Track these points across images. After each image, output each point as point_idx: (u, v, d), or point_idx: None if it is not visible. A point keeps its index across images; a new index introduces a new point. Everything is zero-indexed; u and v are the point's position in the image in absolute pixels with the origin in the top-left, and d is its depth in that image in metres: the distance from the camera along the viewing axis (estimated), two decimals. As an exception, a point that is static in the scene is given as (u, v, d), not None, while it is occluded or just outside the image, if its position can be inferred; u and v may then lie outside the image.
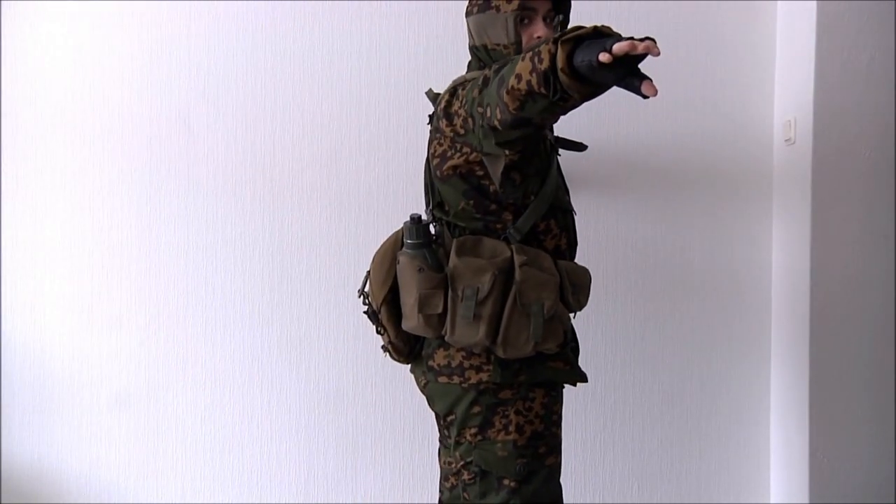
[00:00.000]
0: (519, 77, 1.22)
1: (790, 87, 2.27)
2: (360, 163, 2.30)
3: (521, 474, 1.55)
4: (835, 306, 2.18)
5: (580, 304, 1.63)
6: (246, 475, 2.32)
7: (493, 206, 1.55)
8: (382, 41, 2.30)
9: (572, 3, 1.62)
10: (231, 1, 2.29)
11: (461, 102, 1.47)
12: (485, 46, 1.57)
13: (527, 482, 1.56)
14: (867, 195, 2.19)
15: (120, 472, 2.31)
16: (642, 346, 2.34)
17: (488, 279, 1.48)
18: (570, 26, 1.59)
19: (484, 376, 1.54)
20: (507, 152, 1.45)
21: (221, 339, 2.31)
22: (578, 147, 1.80)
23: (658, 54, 1.04)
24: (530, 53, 1.21)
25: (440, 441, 1.70)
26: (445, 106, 1.52)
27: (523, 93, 1.23)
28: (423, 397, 1.66)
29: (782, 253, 2.31)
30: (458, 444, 1.60)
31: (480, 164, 1.53)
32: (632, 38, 1.05)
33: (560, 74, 1.14)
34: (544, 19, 1.55)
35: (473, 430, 1.57)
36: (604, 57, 1.05)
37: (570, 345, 1.62)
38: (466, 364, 1.55)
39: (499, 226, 1.56)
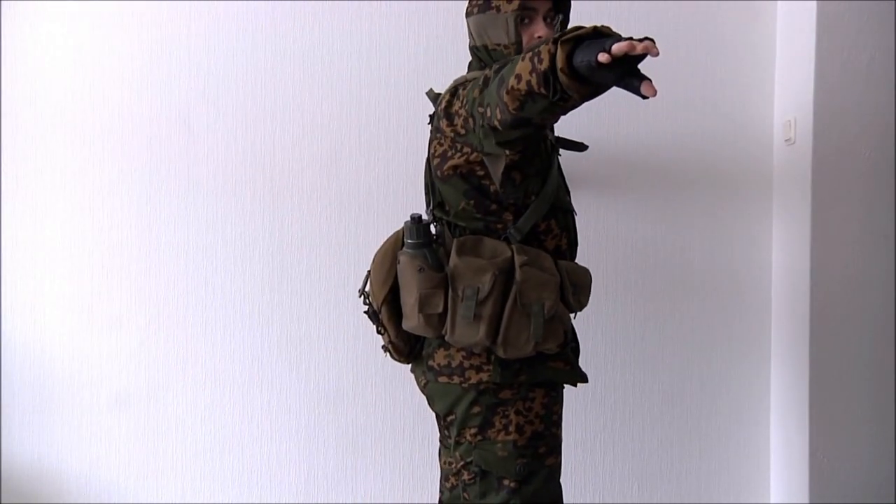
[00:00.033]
0: (519, 77, 1.22)
1: (790, 87, 2.27)
2: (360, 163, 2.30)
3: (521, 474, 1.55)
4: (835, 306, 2.18)
5: (581, 305, 1.63)
6: (246, 475, 2.32)
7: (494, 206, 1.55)
8: (382, 41, 2.30)
9: (572, 2, 1.62)
10: (231, 1, 2.29)
11: (462, 102, 1.47)
12: (485, 47, 1.57)
13: (527, 482, 1.56)
14: (867, 195, 2.19)
15: (120, 472, 2.31)
16: (642, 346, 2.34)
17: (489, 279, 1.48)
18: (570, 26, 1.60)
19: (484, 376, 1.54)
20: (507, 152, 1.45)
21: (221, 339, 2.31)
22: (579, 147, 1.81)
23: (657, 54, 1.04)
24: (530, 54, 1.21)
25: (440, 441, 1.70)
26: (446, 106, 1.52)
27: (523, 93, 1.23)
28: (424, 397, 1.66)
29: (782, 253, 2.31)
30: (458, 444, 1.60)
31: (481, 164, 1.53)
32: (631, 39, 1.05)
33: (559, 75, 1.14)
34: (545, 19, 1.55)
35: (473, 430, 1.57)
36: (603, 57, 1.05)
37: (570, 345, 1.62)
38: (466, 364, 1.55)
39: (499, 226, 1.56)
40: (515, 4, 1.52)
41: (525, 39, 1.53)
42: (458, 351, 1.56)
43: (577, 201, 1.71)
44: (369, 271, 1.64)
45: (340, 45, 2.30)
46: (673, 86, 2.27)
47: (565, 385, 1.65)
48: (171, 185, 2.30)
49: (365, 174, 2.30)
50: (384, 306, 1.60)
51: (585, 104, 1.23)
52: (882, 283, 2.21)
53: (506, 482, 1.56)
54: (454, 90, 1.52)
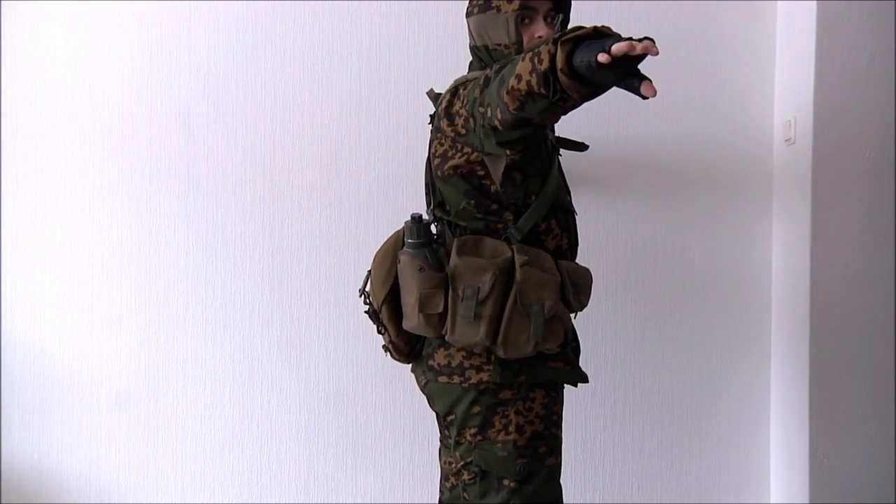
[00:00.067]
0: (519, 77, 1.22)
1: (790, 87, 2.27)
2: (360, 163, 2.30)
3: (521, 474, 1.55)
4: (835, 306, 2.18)
5: (581, 305, 1.63)
6: (246, 475, 2.32)
7: (495, 206, 1.55)
8: (382, 41, 2.30)
9: (572, 2, 1.62)
10: (231, 1, 2.29)
11: (462, 102, 1.47)
12: (486, 47, 1.57)
13: (527, 482, 1.56)
14: (867, 195, 2.19)
15: (120, 472, 2.31)
16: (642, 346, 2.34)
17: (489, 279, 1.48)
18: (570, 26, 1.60)
19: (484, 376, 1.54)
20: (508, 152, 1.45)
21: (221, 339, 2.31)
22: (579, 147, 1.81)
23: (656, 54, 1.04)
24: (530, 54, 1.21)
25: (440, 441, 1.70)
26: (447, 106, 1.52)
27: (523, 93, 1.23)
28: (424, 397, 1.66)
29: (782, 253, 2.31)
30: (458, 443, 1.60)
31: (481, 163, 1.53)
32: (630, 39, 1.05)
33: (559, 75, 1.14)
34: (545, 19, 1.55)
35: (473, 430, 1.57)
36: (602, 58, 1.05)
37: (570, 345, 1.62)
38: (467, 364, 1.55)
39: (500, 226, 1.56)
40: (516, 4, 1.52)
41: (525, 39, 1.53)
42: (458, 351, 1.56)
43: (577, 201, 1.71)
44: (370, 271, 1.64)
45: (340, 45, 2.30)
46: (673, 86, 2.27)
47: (565, 385, 1.65)
48: (171, 185, 2.30)
49: (365, 174, 2.30)
50: (384, 306, 1.60)
51: (585, 104, 1.23)
52: (882, 283, 2.21)
53: (506, 482, 1.56)
54: (455, 90, 1.52)
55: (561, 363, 1.59)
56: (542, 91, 1.19)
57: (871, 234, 2.20)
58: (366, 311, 1.65)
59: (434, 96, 1.69)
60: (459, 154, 1.53)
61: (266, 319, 2.30)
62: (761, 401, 2.36)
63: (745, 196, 2.35)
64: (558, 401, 1.62)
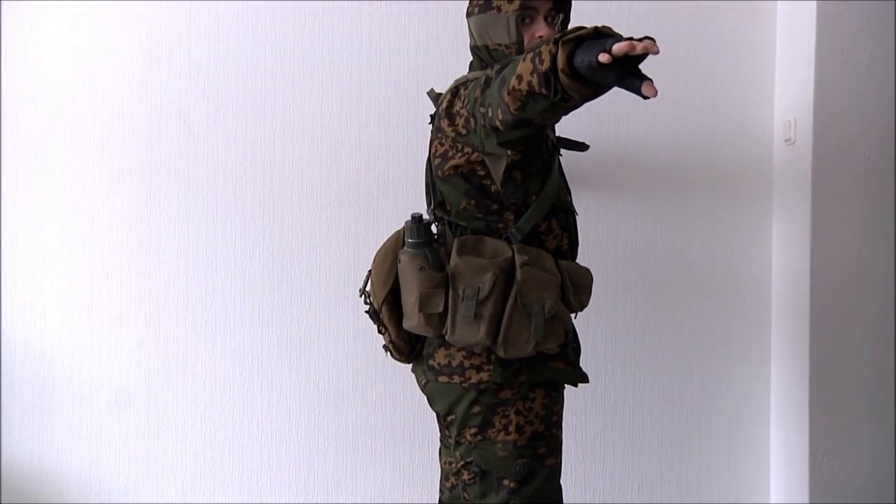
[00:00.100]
0: (520, 78, 1.22)
1: (790, 87, 2.27)
2: (360, 163, 2.30)
3: (521, 474, 1.55)
4: (835, 306, 2.18)
5: (582, 305, 1.63)
6: (246, 475, 2.32)
7: (495, 206, 1.55)
8: (382, 41, 2.30)
9: (573, 2, 1.62)
10: (231, 1, 2.29)
11: (463, 102, 1.47)
12: (486, 47, 1.57)
13: (527, 482, 1.56)
14: (867, 195, 2.19)
15: (120, 472, 2.31)
16: (642, 346, 2.34)
17: (489, 279, 1.48)
18: (570, 27, 1.60)
19: (484, 376, 1.54)
20: (509, 152, 1.45)
21: (221, 339, 2.30)
22: (580, 147, 1.81)
23: (657, 53, 1.04)
24: (531, 54, 1.21)
25: (441, 441, 1.70)
26: (447, 106, 1.52)
27: (524, 93, 1.23)
28: (424, 397, 1.66)
29: (782, 253, 2.31)
30: (458, 443, 1.60)
31: (482, 163, 1.53)
32: (631, 39, 1.05)
33: (560, 75, 1.15)
34: (545, 19, 1.55)
35: (473, 430, 1.57)
36: (603, 57, 1.05)
37: (571, 345, 1.62)
38: (467, 363, 1.55)
39: (500, 225, 1.56)
40: (516, 4, 1.52)
41: (526, 39, 1.53)
42: (458, 350, 1.56)
43: (577, 201, 1.71)
44: (370, 271, 1.64)
45: (340, 45, 2.30)
46: (673, 86, 2.27)
47: (566, 385, 1.65)
48: (171, 185, 2.30)
49: (365, 174, 2.30)
50: (385, 306, 1.60)
51: (585, 104, 1.23)
52: (882, 283, 2.21)
53: (506, 482, 1.56)
54: (455, 90, 1.52)
55: (561, 363, 1.59)
56: (543, 91, 1.19)
57: (871, 234, 2.20)
58: (366, 311, 1.65)
59: (434, 96, 1.69)
60: (460, 154, 1.53)
61: (266, 319, 2.30)
62: (761, 401, 2.36)
63: (745, 196, 2.35)
64: (558, 401, 1.62)
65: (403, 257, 1.54)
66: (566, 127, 1.81)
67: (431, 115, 1.66)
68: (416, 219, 1.53)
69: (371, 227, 2.28)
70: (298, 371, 2.31)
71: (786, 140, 2.27)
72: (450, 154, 1.55)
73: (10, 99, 2.29)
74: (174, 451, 2.31)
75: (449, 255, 1.53)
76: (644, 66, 1.11)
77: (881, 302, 2.21)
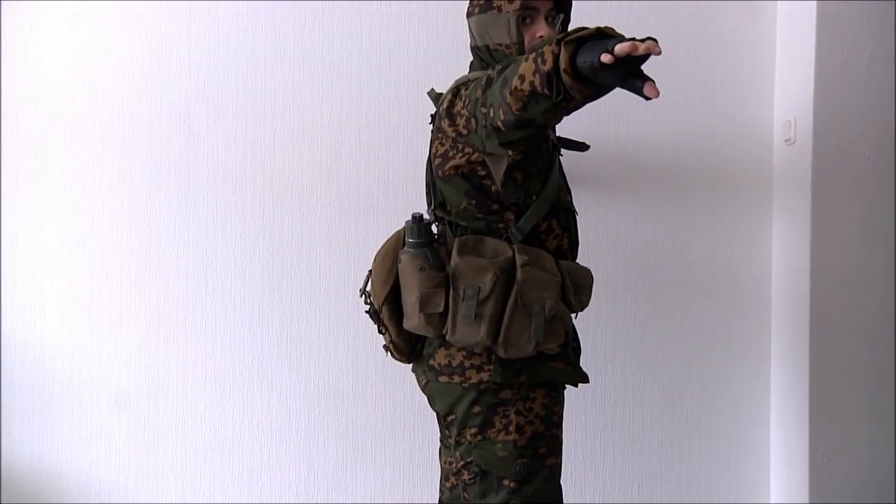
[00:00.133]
0: (522, 78, 1.22)
1: (790, 87, 2.27)
2: (360, 163, 2.30)
3: (521, 474, 1.55)
4: (835, 306, 2.18)
5: (582, 305, 1.63)
6: (246, 475, 2.32)
7: (495, 206, 1.55)
8: (382, 41, 2.30)
9: (573, 2, 1.62)
10: (231, 1, 2.29)
11: (464, 103, 1.47)
12: (487, 47, 1.57)
13: (527, 482, 1.56)
14: (867, 195, 2.20)
15: (120, 472, 2.31)
16: (642, 346, 2.34)
17: (490, 279, 1.48)
18: (571, 27, 1.60)
19: (485, 376, 1.54)
20: (510, 152, 1.45)
21: (221, 339, 2.30)
22: (580, 147, 1.81)
23: (659, 53, 1.04)
24: (533, 54, 1.21)
25: (441, 441, 1.70)
26: (448, 106, 1.52)
27: (526, 93, 1.23)
28: (424, 397, 1.67)
29: (782, 253, 2.31)
30: (458, 443, 1.60)
31: (482, 163, 1.53)
32: (633, 39, 1.05)
33: (563, 75, 1.15)
34: (546, 19, 1.55)
35: (474, 430, 1.57)
36: (605, 58, 1.05)
37: (571, 345, 1.62)
38: (467, 363, 1.55)
39: (501, 225, 1.56)
40: (517, 4, 1.52)
41: (527, 39, 1.53)
42: (458, 350, 1.56)
43: (577, 201, 1.71)
44: (370, 271, 1.64)
45: (340, 45, 2.30)
46: (673, 86, 2.27)
47: (566, 385, 1.65)
48: (171, 185, 2.30)
49: (365, 174, 2.30)
50: (385, 306, 1.60)
51: (586, 104, 1.23)
52: (882, 283, 2.21)
53: (506, 482, 1.56)
54: (456, 90, 1.52)
55: (562, 363, 1.59)
56: (546, 91, 1.19)
57: (871, 234, 2.20)
58: (366, 311, 1.65)
59: (435, 96, 1.69)
60: (460, 154, 1.53)
61: (266, 319, 2.30)
62: (761, 401, 2.36)
63: (745, 196, 2.35)
64: (559, 401, 1.62)
65: (404, 257, 1.54)
66: (566, 127, 1.81)
67: (432, 115, 1.66)
68: (417, 219, 1.53)
69: (371, 227, 2.28)
70: (298, 371, 2.31)
71: (786, 140, 2.27)
72: (450, 154, 1.55)
73: (10, 99, 2.29)
74: (174, 451, 2.31)
75: (449, 255, 1.53)
76: (644, 67, 1.11)
77: (881, 302, 2.21)
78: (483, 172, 1.53)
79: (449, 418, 1.61)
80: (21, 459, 2.30)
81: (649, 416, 2.35)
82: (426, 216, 1.57)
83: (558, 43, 1.16)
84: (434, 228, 1.59)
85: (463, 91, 1.49)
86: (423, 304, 1.51)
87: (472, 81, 1.48)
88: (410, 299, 1.53)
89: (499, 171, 1.51)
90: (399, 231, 1.61)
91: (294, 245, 2.30)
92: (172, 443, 2.31)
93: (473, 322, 1.48)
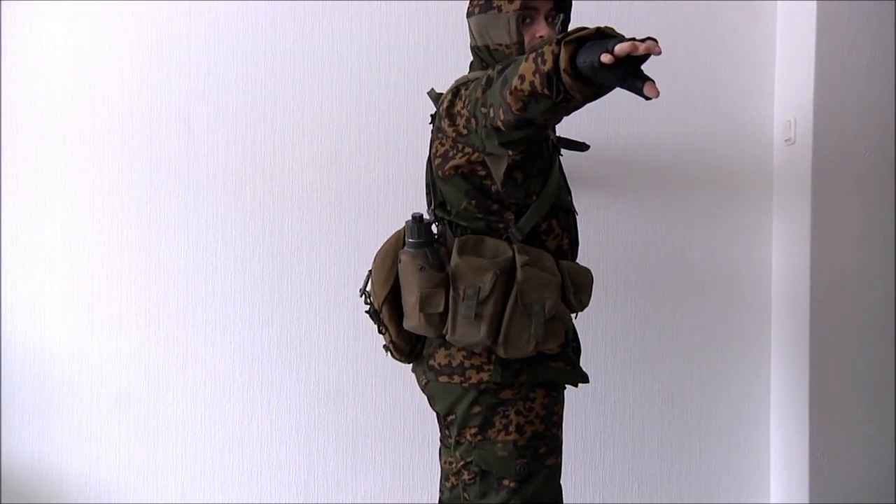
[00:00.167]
0: (522, 78, 1.22)
1: (790, 87, 2.27)
2: (360, 163, 2.30)
3: (522, 474, 1.55)
4: (835, 306, 2.18)
5: (582, 305, 1.63)
6: (246, 475, 2.32)
7: (495, 206, 1.55)
8: (382, 41, 2.30)
9: (573, 2, 1.62)
10: (231, 1, 2.29)
11: (464, 103, 1.47)
12: (487, 47, 1.57)
13: (527, 482, 1.56)
14: (867, 195, 2.20)
15: (120, 472, 2.31)
16: (642, 346, 2.34)
17: (490, 279, 1.48)
18: (571, 27, 1.60)
19: (485, 376, 1.54)
20: (510, 152, 1.45)
21: (221, 339, 2.30)
22: (580, 147, 1.81)
23: (659, 53, 1.04)
24: (533, 54, 1.21)
25: (441, 441, 1.70)
26: (448, 106, 1.52)
27: (526, 93, 1.23)
28: (424, 397, 1.67)
29: (782, 253, 2.31)
30: (458, 443, 1.60)
31: (482, 163, 1.53)
32: (633, 39, 1.05)
33: (563, 75, 1.15)
34: (546, 19, 1.55)
35: (474, 430, 1.57)
36: (605, 58, 1.05)
37: (571, 345, 1.62)
38: (467, 363, 1.55)
39: (501, 225, 1.56)
40: (517, 4, 1.52)
41: (527, 39, 1.53)
42: (458, 350, 1.56)
43: (577, 201, 1.71)
44: (370, 271, 1.64)
45: (340, 45, 2.30)
46: (673, 86, 2.27)
47: (566, 385, 1.65)
48: (171, 185, 2.30)
49: (365, 174, 2.30)
50: (385, 306, 1.60)
51: (586, 104, 1.23)
52: (882, 283, 2.21)
53: (506, 482, 1.56)
54: (456, 90, 1.52)
55: (562, 363, 1.59)
56: (546, 91, 1.19)
57: (871, 234, 2.20)
58: (366, 311, 1.65)
59: (435, 96, 1.69)
60: (460, 154, 1.53)
61: (266, 319, 2.30)
62: (761, 401, 2.36)
63: (745, 196, 2.35)
64: (559, 401, 1.62)
65: (404, 257, 1.54)
66: (566, 127, 1.81)
67: (432, 115, 1.66)
68: (417, 219, 1.53)
69: (371, 227, 2.28)
70: (298, 371, 2.31)
71: (786, 140, 2.27)
72: (450, 154, 1.55)
73: (10, 99, 2.29)
74: (174, 451, 2.31)
75: (449, 255, 1.53)
76: (644, 66, 1.11)
77: (881, 302, 2.21)
78: (483, 172, 1.53)
79: (449, 418, 1.61)
80: (21, 459, 2.30)
81: (649, 416, 2.35)
82: (426, 216, 1.57)
83: (558, 43, 1.16)
84: (434, 228, 1.59)
85: (463, 91, 1.49)
86: (423, 304, 1.51)
87: (472, 81, 1.48)
88: (410, 299, 1.53)
89: (499, 171, 1.51)
90: (399, 231, 1.61)
91: (294, 245, 2.30)
92: (172, 443, 2.31)
93: (473, 322, 1.48)
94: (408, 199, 2.26)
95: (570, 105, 1.21)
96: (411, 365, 1.71)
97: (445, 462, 1.66)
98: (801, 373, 2.20)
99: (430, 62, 2.29)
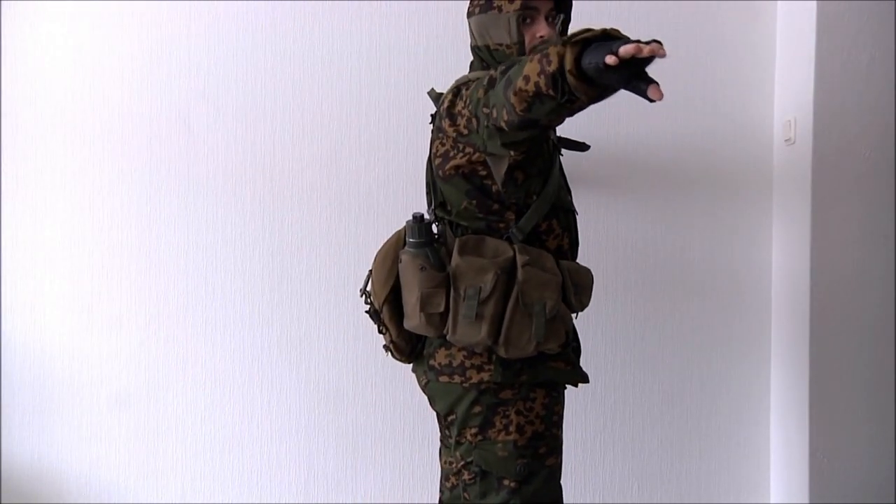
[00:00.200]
0: (527, 78, 1.22)
1: (790, 87, 2.27)
2: (360, 163, 2.30)
3: (522, 474, 1.55)
4: (835, 306, 2.18)
5: (582, 305, 1.63)
6: (246, 475, 2.32)
7: (496, 206, 1.55)
8: (382, 41, 2.30)
9: (573, 2, 1.62)
10: (231, 1, 2.29)
11: (465, 102, 1.47)
12: (487, 47, 1.57)
13: (527, 482, 1.56)
14: (867, 195, 2.20)
15: (120, 472, 2.31)
16: (642, 346, 2.34)
17: (490, 279, 1.48)
18: (571, 27, 1.60)
19: (485, 376, 1.54)
20: (511, 153, 1.45)
21: (221, 339, 2.30)
22: (581, 147, 1.81)
23: (664, 56, 1.05)
24: (538, 55, 1.21)
25: (441, 441, 1.70)
26: (448, 106, 1.52)
27: (531, 94, 1.23)
28: (424, 397, 1.66)
29: (782, 253, 2.31)
30: (458, 443, 1.60)
31: (483, 163, 1.53)
32: (638, 42, 1.05)
33: (568, 76, 1.15)
34: (546, 19, 1.55)
35: (474, 430, 1.57)
36: (610, 59, 1.06)
37: (571, 345, 1.62)
38: (468, 363, 1.55)
39: (501, 225, 1.56)
40: (517, 4, 1.52)
41: (527, 39, 1.53)
42: (459, 350, 1.56)
43: (577, 201, 1.71)
44: (370, 271, 1.64)
45: (340, 45, 2.30)
46: (673, 86, 2.25)
47: (566, 385, 1.65)
48: (171, 185, 2.30)
49: (365, 174, 2.30)
50: (385, 306, 1.60)
51: (591, 105, 1.23)
52: (882, 283, 2.21)
53: (506, 482, 1.56)
54: (456, 90, 1.52)
55: (562, 363, 1.59)
56: (551, 92, 1.19)
57: (871, 234, 2.20)
58: (366, 311, 1.65)
59: (435, 96, 1.69)
60: (461, 154, 1.53)
61: (266, 319, 2.30)
62: (761, 401, 2.36)
63: (745, 196, 2.35)
64: (559, 401, 1.62)
65: (405, 257, 1.54)
66: (566, 127, 1.80)
67: (432, 115, 1.66)
68: (418, 218, 1.52)
69: (371, 227, 2.28)
70: (298, 371, 2.31)
71: (786, 140, 2.27)
72: (451, 154, 1.55)
73: (10, 99, 2.29)
74: (174, 451, 2.31)
75: (450, 255, 1.53)
76: (647, 67, 1.11)
77: (881, 302, 2.21)
78: (484, 172, 1.53)
79: (449, 418, 1.61)
80: (21, 459, 2.30)
81: (649, 416, 2.35)
82: (427, 216, 1.57)
83: (564, 44, 1.16)
84: (434, 228, 1.59)
85: (464, 91, 1.49)
86: (424, 304, 1.51)
87: (473, 81, 1.48)
88: (411, 299, 1.53)
89: (500, 170, 1.51)
90: (399, 231, 1.61)
91: (294, 245, 2.30)
92: (172, 443, 2.31)
93: (474, 322, 1.48)
94: (408, 199, 2.26)
95: (574, 106, 1.21)
96: (411, 365, 1.71)
97: (445, 462, 1.66)
98: (801, 373, 2.20)
99: (430, 62, 2.29)
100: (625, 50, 1.04)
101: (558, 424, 1.62)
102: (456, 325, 1.50)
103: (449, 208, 1.60)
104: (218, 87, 2.30)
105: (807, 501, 2.18)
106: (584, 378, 1.64)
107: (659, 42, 1.04)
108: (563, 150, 1.74)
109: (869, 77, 2.17)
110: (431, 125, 1.65)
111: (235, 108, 2.30)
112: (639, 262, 2.34)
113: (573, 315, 1.63)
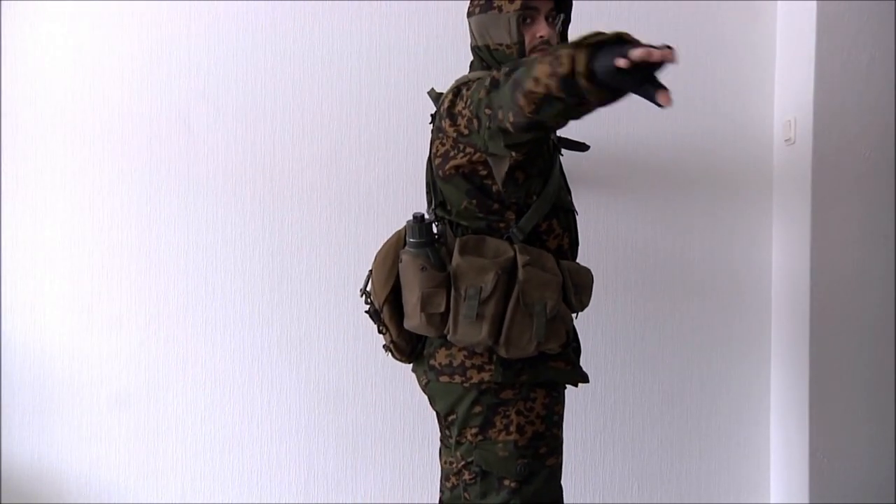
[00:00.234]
0: (537, 80, 1.22)
1: (790, 87, 2.27)
2: (360, 163, 2.30)
3: (522, 475, 1.55)
4: (835, 306, 2.18)
5: (582, 305, 1.63)
6: (246, 475, 2.32)
7: (496, 206, 1.55)
8: (382, 41, 2.30)
9: (573, 2, 1.62)
10: (231, 1, 2.29)
11: (465, 103, 1.47)
12: (487, 47, 1.57)
13: (527, 482, 1.56)
14: (867, 195, 2.20)
15: (120, 472, 2.31)
16: (642, 346, 2.34)
17: (491, 279, 1.48)
18: (572, 28, 1.60)
19: (486, 376, 1.54)
20: (513, 154, 1.45)
21: (221, 339, 2.30)
22: (581, 147, 1.81)
23: (675, 62, 1.05)
24: (549, 57, 1.20)
25: (441, 441, 1.70)
26: (449, 106, 1.51)
27: (541, 96, 1.22)
28: (424, 397, 1.67)
29: (782, 253, 2.31)
30: (458, 443, 1.60)
31: (483, 163, 1.53)
32: (650, 46, 1.05)
33: (579, 79, 1.14)
34: (546, 18, 1.55)
35: (474, 430, 1.57)
36: (620, 61, 1.06)
37: (572, 345, 1.62)
38: (468, 363, 1.55)
39: (502, 225, 1.56)
40: (517, 4, 1.52)
41: (527, 39, 1.53)
42: (459, 350, 1.56)
43: (577, 201, 1.71)
44: (370, 271, 1.64)
45: (340, 45, 2.30)
46: (673, 86, 2.23)
47: (566, 385, 1.65)
48: (171, 185, 2.30)
49: (365, 174, 2.30)
50: (386, 305, 1.60)
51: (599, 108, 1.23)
52: (882, 283, 2.21)
53: (506, 482, 1.56)
54: (457, 90, 1.52)
55: (562, 363, 1.59)
56: (561, 94, 1.19)
57: (871, 234, 2.20)
58: (367, 311, 1.65)
59: (435, 96, 1.69)
60: (461, 154, 1.53)
61: (266, 319, 2.30)
62: (761, 401, 2.36)
63: (745, 196, 2.35)
64: (559, 401, 1.62)
65: (405, 257, 1.54)
66: (566, 127, 1.81)
67: (432, 115, 1.66)
68: (418, 218, 1.52)
69: (371, 227, 2.28)
70: (298, 371, 2.31)
71: (786, 140, 2.27)
72: (451, 154, 1.55)
73: (10, 99, 2.29)
74: (174, 451, 2.31)
75: (450, 255, 1.53)
76: (647, 67, 1.11)
77: (881, 302, 2.21)
78: (484, 172, 1.53)
79: (450, 418, 1.61)
80: (21, 459, 2.30)
81: (649, 416, 2.35)
82: (427, 216, 1.57)
83: (576, 46, 1.16)
84: (435, 228, 1.59)
85: (464, 91, 1.49)
86: (425, 304, 1.51)
87: (474, 81, 1.48)
88: (412, 299, 1.53)
89: (500, 171, 1.51)
90: (399, 231, 1.61)
91: (294, 245, 2.30)
92: (172, 443, 2.31)
93: (475, 322, 1.48)
94: (408, 199, 2.26)
95: (583, 109, 1.22)
96: (411, 365, 1.71)
97: (446, 462, 1.66)
98: (801, 373, 2.20)
99: (430, 62, 2.29)
100: (636, 54, 1.04)
101: (559, 424, 1.62)
102: (456, 325, 1.50)
103: (449, 208, 1.60)
104: (218, 87, 2.29)
105: (807, 501, 2.18)
106: (585, 378, 1.64)
107: (670, 47, 1.04)
108: (563, 150, 1.74)
109: (869, 77, 2.17)
110: (431, 125, 1.65)
111: (235, 108, 2.30)
112: (639, 262, 2.34)
113: (573, 315, 1.63)
